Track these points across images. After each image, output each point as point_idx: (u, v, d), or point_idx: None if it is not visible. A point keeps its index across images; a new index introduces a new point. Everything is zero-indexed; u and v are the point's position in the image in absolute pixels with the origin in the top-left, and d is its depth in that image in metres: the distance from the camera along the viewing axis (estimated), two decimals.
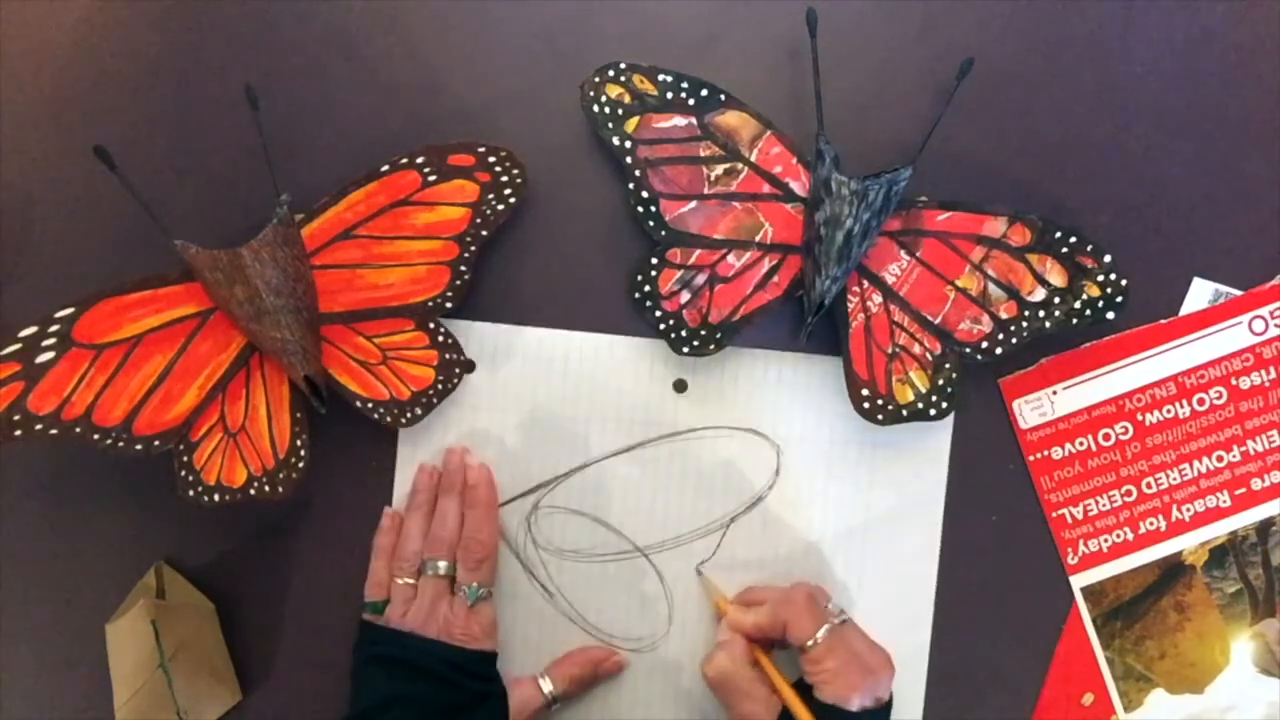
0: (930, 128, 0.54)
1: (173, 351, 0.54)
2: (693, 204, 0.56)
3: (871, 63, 0.58)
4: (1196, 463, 0.59)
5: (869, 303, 0.56)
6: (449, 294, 0.56)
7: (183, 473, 0.54)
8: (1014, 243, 0.55)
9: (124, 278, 0.52)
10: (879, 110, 0.58)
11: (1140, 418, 0.59)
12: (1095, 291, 0.55)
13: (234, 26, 0.58)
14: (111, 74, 0.58)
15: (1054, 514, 0.59)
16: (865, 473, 0.59)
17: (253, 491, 0.55)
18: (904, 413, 0.56)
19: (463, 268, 0.56)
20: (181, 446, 0.54)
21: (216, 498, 0.55)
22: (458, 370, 0.57)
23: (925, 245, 0.56)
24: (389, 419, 0.56)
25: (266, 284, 0.51)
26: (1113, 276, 0.55)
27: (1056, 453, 0.59)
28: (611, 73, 0.54)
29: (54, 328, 0.51)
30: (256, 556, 0.59)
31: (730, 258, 0.56)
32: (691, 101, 0.55)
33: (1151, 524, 0.59)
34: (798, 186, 0.56)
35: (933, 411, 0.56)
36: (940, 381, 0.56)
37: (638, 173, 0.55)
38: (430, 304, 0.56)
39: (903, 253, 0.56)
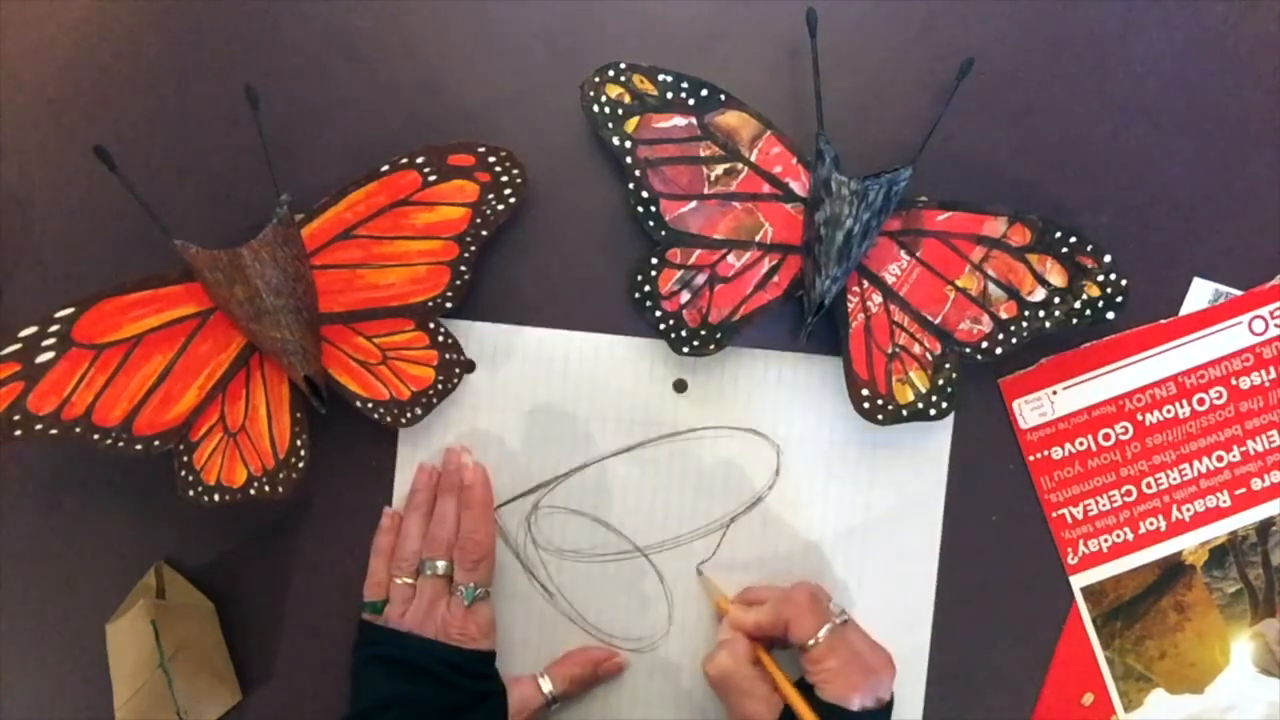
0: (930, 128, 0.54)
1: (173, 351, 0.54)
2: (693, 204, 0.56)
3: (871, 63, 0.58)
4: (1196, 463, 0.59)
5: (869, 303, 0.56)
6: (449, 294, 0.56)
7: (183, 473, 0.54)
8: (1014, 243, 0.55)
9: (124, 278, 0.52)
10: (879, 110, 0.58)
11: (1140, 418, 0.59)
12: (1095, 291, 0.55)
13: (234, 26, 0.58)
14: (111, 74, 0.58)
15: (1054, 514, 0.59)
16: (865, 473, 0.59)
17: (253, 491, 0.55)
18: (904, 413, 0.56)
19: (463, 268, 0.56)
20: (181, 446, 0.54)
21: (216, 498, 0.55)
22: (458, 370, 0.57)
23: (925, 245, 0.56)
24: (389, 419, 0.56)
25: (266, 284, 0.51)
26: (1113, 276, 0.55)
27: (1056, 453, 0.59)
28: (611, 73, 0.54)
29: (54, 328, 0.51)
30: (256, 556, 0.59)
31: (730, 258, 0.56)
32: (691, 101, 0.55)
33: (1151, 524, 0.59)
34: (798, 186, 0.56)
35: (933, 411, 0.56)
36: (940, 381, 0.56)
37: (638, 173, 0.55)
38: (430, 304, 0.56)
39: (903, 253, 0.56)
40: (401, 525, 0.57)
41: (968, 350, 0.56)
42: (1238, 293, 0.59)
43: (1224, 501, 0.59)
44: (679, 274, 0.56)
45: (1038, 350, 0.59)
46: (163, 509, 0.58)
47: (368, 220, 0.55)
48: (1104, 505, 0.59)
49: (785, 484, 0.59)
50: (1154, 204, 0.59)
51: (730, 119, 0.55)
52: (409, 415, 0.56)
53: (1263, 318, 0.59)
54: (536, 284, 0.58)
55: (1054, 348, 0.59)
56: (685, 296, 0.56)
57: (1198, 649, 0.60)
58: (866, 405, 0.56)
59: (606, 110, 0.55)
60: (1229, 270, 0.59)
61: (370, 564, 0.57)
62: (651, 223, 0.56)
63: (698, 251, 0.56)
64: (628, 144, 0.55)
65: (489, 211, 0.56)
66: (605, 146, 0.56)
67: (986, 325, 0.56)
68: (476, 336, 0.58)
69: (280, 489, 0.55)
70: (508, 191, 0.56)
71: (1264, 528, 0.59)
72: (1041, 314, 0.55)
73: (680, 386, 0.59)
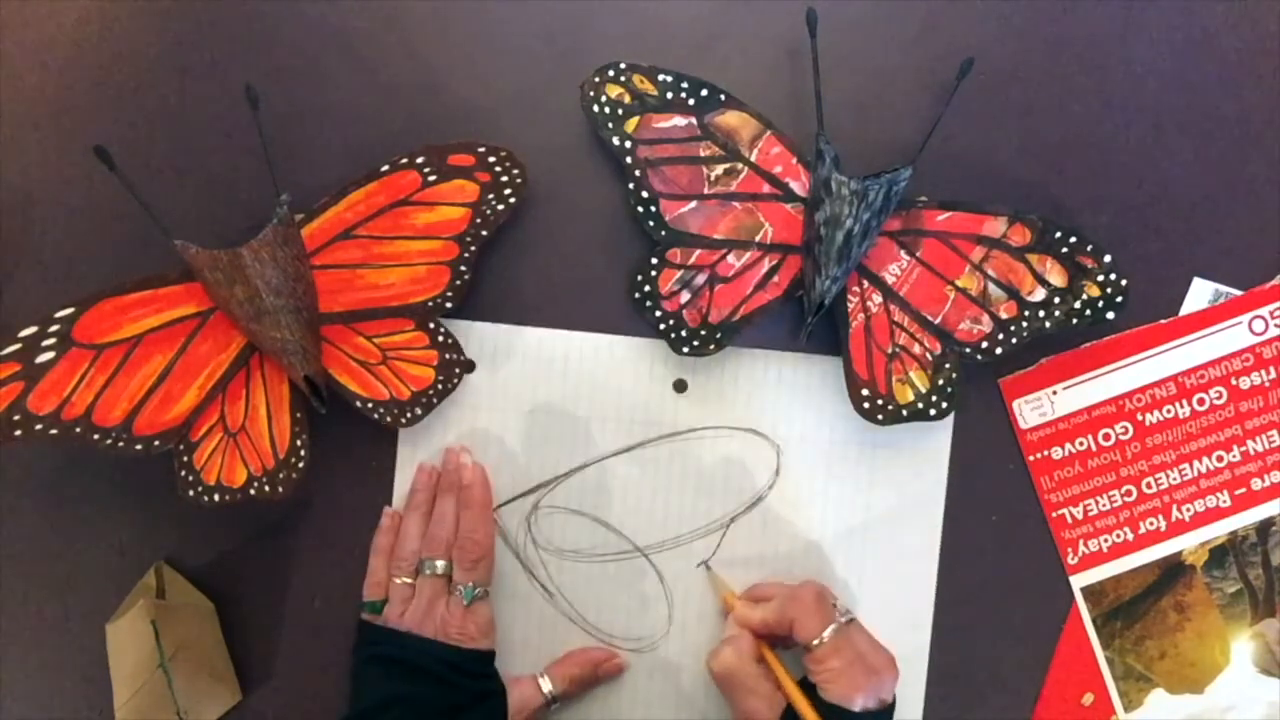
0: (930, 128, 0.54)
1: (173, 351, 0.54)
2: (693, 204, 0.56)
3: (871, 63, 0.58)
4: (1196, 463, 0.59)
5: (869, 303, 0.56)
6: (449, 294, 0.56)
7: (183, 473, 0.54)
8: (1014, 243, 0.55)
9: (124, 278, 0.52)
10: (879, 110, 0.58)
11: (1140, 418, 0.59)
12: (1095, 291, 0.55)
13: (234, 26, 0.58)
14: (111, 74, 0.58)
15: (1054, 514, 0.59)
16: (865, 473, 0.59)
17: (253, 491, 0.55)
18: (904, 413, 0.56)
19: (463, 268, 0.56)
20: (181, 446, 0.54)
21: (216, 498, 0.55)
22: (458, 370, 0.57)
23: (925, 245, 0.56)
24: (389, 419, 0.56)
25: (266, 284, 0.51)
26: (1113, 276, 0.55)
27: (1056, 453, 0.59)
28: (611, 73, 0.54)
29: (54, 328, 0.51)
30: (256, 556, 0.59)
31: (730, 258, 0.56)
32: (691, 101, 0.55)
33: (1151, 524, 0.59)
34: (798, 186, 0.56)
35: (933, 411, 0.56)
36: (940, 381, 0.56)
37: (638, 173, 0.55)
38: (430, 304, 0.56)
39: (903, 253, 0.56)
40: (401, 525, 0.57)
41: (968, 350, 0.56)
42: (1238, 293, 0.59)
43: (1224, 501, 0.59)
44: (679, 274, 0.56)
45: (1038, 350, 0.59)
46: (163, 509, 0.58)
47: (368, 220, 0.55)
48: (1104, 505, 0.59)
49: (785, 484, 0.59)
50: (1154, 204, 0.59)
51: (730, 119, 0.55)
52: (409, 415, 0.56)
53: (1263, 318, 0.59)
54: (536, 284, 0.58)
55: (1054, 348, 0.59)
56: (685, 296, 0.56)
57: (1198, 649, 0.60)
58: (866, 405, 0.56)
59: (606, 110, 0.55)
60: (1229, 270, 0.59)
61: (370, 564, 0.57)
62: (651, 223, 0.56)
63: (698, 251, 0.56)
64: (628, 144, 0.55)
65: (489, 211, 0.56)
66: (605, 146, 0.56)
67: (986, 325, 0.56)
68: (476, 336, 0.58)
69: (280, 489, 0.55)
70: (508, 191, 0.56)
71: (1264, 528, 0.59)
72: (1041, 314, 0.55)
73: (680, 386, 0.59)
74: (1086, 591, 0.59)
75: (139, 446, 0.53)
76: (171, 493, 0.54)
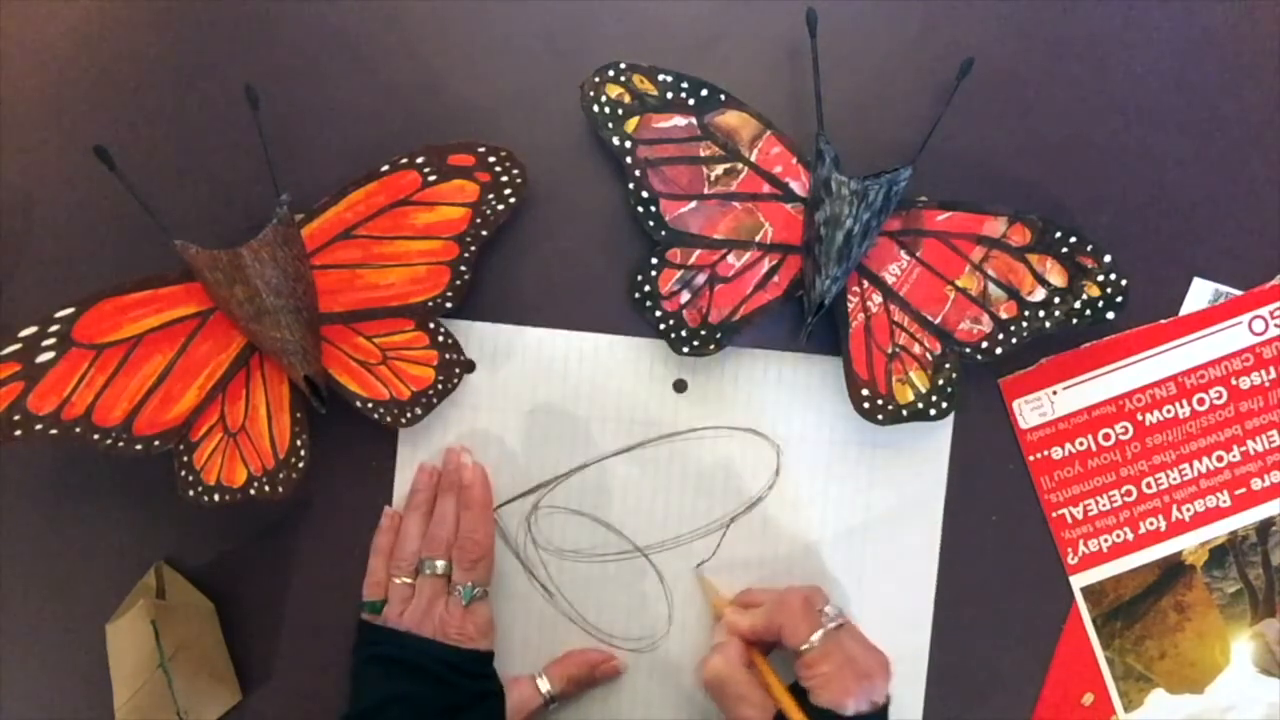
0: (930, 128, 0.54)
1: (173, 351, 0.54)
2: (693, 204, 0.56)
3: (871, 63, 0.58)
4: (1196, 463, 0.59)
5: (869, 303, 0.56)
6: (449, 294, 0.56)
7: (183, 473, 0.54)
8: (1014, 243, 0.55)
9: (124, 278, 0.52)
10: (879, 110, 0.58)
11: (1140, 418, 0.59)
12: (1095, 291, 0.55)
13: (234, 26, 0.58)
14: (111, 74, 0.58)
15: (1054, 514, 0.59)
16: (865, 473, 0.59)
17: (253, 491, 0.55)
18: (904, 413, 0.56)
19: (463, 268, 0.56)
20: (181, 446, 0.54)
21: (216, 498, 0.55)
22: (458, 370, 0.57)
23: (925, 245, 0.56)
24: (389, 419, 0.56)
25: (266, 284, 0.51)
26: (1113, 276, 0.55)
27: (1056, 453, 0.59)
28: (611, 73, 0.54)
29: (54, 328, 0.51)
30: (256, 556, 0.59)
31: (730, 258, 0.56)
32: (691, 101, 0.55)
33: (1151, 524, 0.59)
34: (798, 186, 0.56)
35: (933, 411, 0.56)
36: (940, 381, 0.56)
37: (638, 173, 0.55)
38: (430, 304, 0.56)
39: (903, 253, 0.56)
40: (401, 525, 0.57)
41: (968, 350, 0.56)
42: (1238, 293, 0.59)
43: (1224, 501, 0.59)
44: (679, 274, 0.56)
45: (1038, 350, 0.59)
46: (163, 509, 0.58)
47: (368, 220, 0.55)
48: (1104, 505, 0.59)
49: (785, 484, 0.59)
50: (1154, 204, 0.59)
51: (730, 119, 0.55)
52: (409, 415, 0.56)
53: (1263, 318, 0.59)
54: (536, 284, 0.58)
55: (1054, 348, 0.59)
56: (685, 296, 0.56)
57: (1198, 649, 0.60)
58: (866, 405, 0.56)
59: (606, 110, 0.55)
60: (1229, 270, 0.59)
61: (369, 563, 0.57)
62: (651, 223, 0.56)
63: (698, 251, 0.56)
64: (628, 144, 0.55)
65: (489, 211, 0.56)
66: (605, 146, 0.56)
67: (986, 325, 0.56)
68: (476, 336, 0.58)
69: (280, 489, 0.55)
70: (508, 191, 0.56)
71: (1264, 528, 0.59)
72: (1041, 314, 0.55)
73: (680, 386, 0.59)
74: (1086, 591, 0.59)
75: (139, 446, 0.53)
76: (171, 493, 0.54)
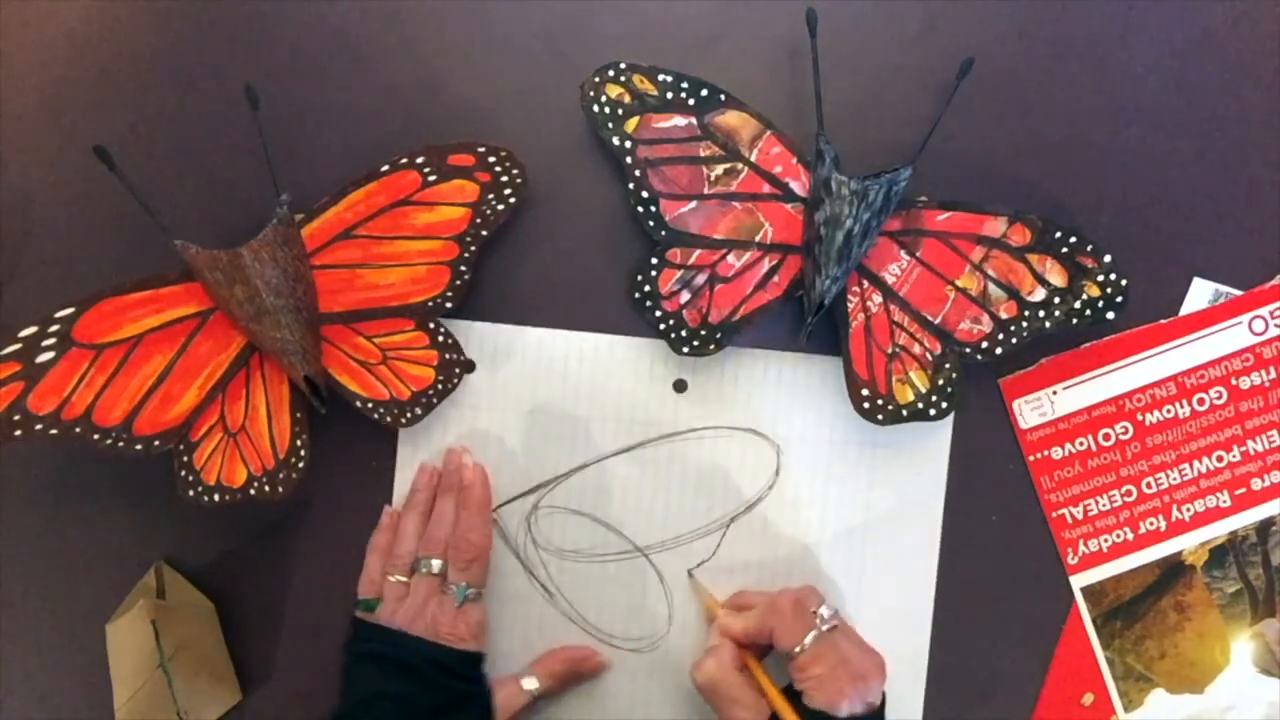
0: (930, 128, 0.54)
1: (173, 351, 0.54)
2: (693, 204, 0.56)
3: (871, 63, 0.58)
4: (1196, 463, 0.59)
5: (869, 303, 0.56)
6: (449, 294, 0.56)
7: (183, 473, 0.54)
8: (1014, 243, 0.55)
9: (124, 278, 0.52)
10: (879, 110, 0.58)
11: (1140, 418, 0.59)
12: (1095, 291, 0.55)
13: (234, 26, 0.58)
14: (111, 74, 0.58)
15: (1054, 514, 0.59)
16: (865, 473, 0.59)
17: (253, 491, 0.55)
18: (904, 413, 0.56)
19: (463, 268, 0.56)
20: (181, 446, 0.54)
21: (216, 498, 0.55)
22: (458, 370, 0.57)
23: (925, 245, 0.56)
24: (389, 419, 0.56)
25: (266, 284, 0.51)
26: (1113, 276, 0.55)
27: (1056, 453, 0.59)
28: (611, 73, 0.54)
29: (54, 328, 0.51)
30: (256, 556, 0.59)
31: (730, 258, 0.56)
32: (691, 101, 0.55)
33: (1151, 524, 0.59)
34: (798, 186, 0.56)
35: (933, 411, 0.56)
36: (940, 381, 0.56)
37: (638, 173, 0.55)
38: (430, 304, 0.56)
39: (903, 253, 0.56)
40: (399, 524, 0.57)
41: (968, 350, 0.56)
42: (1238, 293, 0.59)
43: (1224, 501, 0.59)
44: (679, 274, 0.56)
45: (1038, 350, 0.59)
46: (163, 509, 0.58)
47: (368, 220, 0.55)
48: (1104, 505, 0.59)
49: (785, 484, 0.59)
50: (1154, 204, 0.59)
51: (730, 119, 0.55)
52: (409, 415, 0.56)
53: (1263, 318, 0.59)
54: (536, 284, 0.58)
55: (1054, 348, 0.59)
56: (685, 296, 0.56)
57: (1198, 649, 0.60)
58: (866, 405, 0.56)
59: (606, 110, 0.55)
60: (1229, 270, 0.59)
61: (366, 561, 0.57)
62: (651, 223, 0.56)
63: (698, 251, 0.56)
64: (628, 144, 0.55)
65: (489, 211, 0.56)
66: (605, 146, 0.56)
67: (986, 325, 0.56)
68: (476, 336, 0.58)
69: (280, 489, 0.55)
70: (508, 191, 0.56)
71: (1264, 528, 0.59)
72: (1041, 314, 0.55)
73: (680, 386, 0.59)
74: (1086, 591, 0.59)
75: (139, 446, 0.53)
76: (171, 493, 0.54)
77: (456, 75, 0.58)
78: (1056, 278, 0.55)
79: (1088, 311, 0.55)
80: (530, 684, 0.56)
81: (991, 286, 0.56)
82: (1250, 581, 0.59)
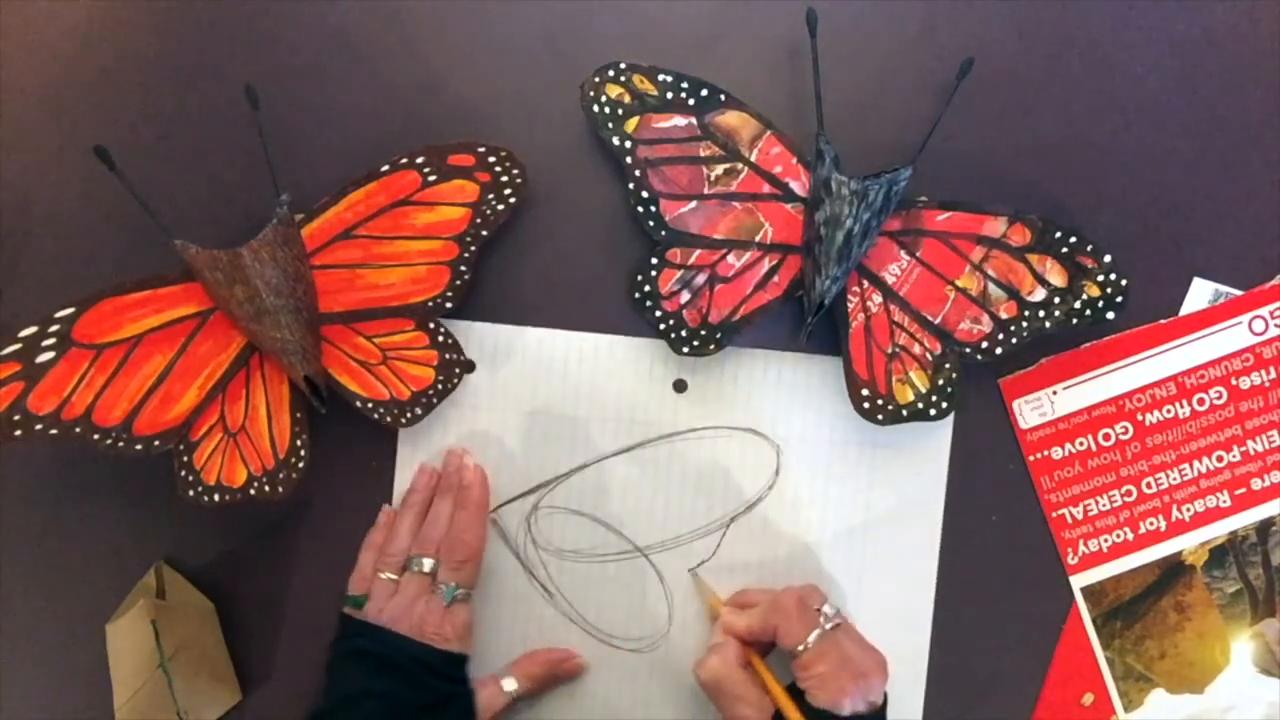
0: (930, 128, 0.54)
1: (173, 351, 0.54)
2: (693, 204, 0.56)
3: (871, 63, 0.58)
4: (1196, 463, 0.59)
5: (869, 303, 0.56)
6: (449, 294, 0.56)
7: (183, 473, 0.54)
8: (1014, 243, 0.55)
9: (124, 278, 0.52)
10: (879, 110, 0.58)
11: (1140, 418, 0.59)
12: (1095, 291, 0.55)
13: (234, 26, 0.58)
14: (111, 74, 0.58)
15: (1054, 514, 0.59)
16: (865, 473, 0.59)
17: (253, 491, 0.55)
18: (904, 413, 0.56)
19: (463, 268, 0.56)
20: (181, 446, 0.54)
21: (216, 498, 0.55)
22: (458, 370, 0.57)
23: (925, 245, 0.56)
24: (389, 419, 0.56)
25: (266, 284, 0.51)
26: (1113, 276, 0.55)
27: (1056, 453, 0.59)
28: (611, 73, 0.54)
29: (54, 328, 0.51)
30: (256, 556, 0.59)
31: (730, 258, 0.56)
32: (691, 101, 0.55)
33: (1151, 524, 0.59)
34: (798, 186, 0.56)
35: (933, 411, 0.56)
36: (940, 381, 0.56)
37: (638, 173, 0.55)
38: (430, 304, 0.56)
39: (903, 253, 0.56)
40: (394, 522, 0.57)
41: (968, 350, 0.56)
42: (1238, 293, 0.59)
43: (1224, 501, 0.59)
44: (679, 274, 0.56)
45: (1038, 350, 0.59)
46: (163, 509, 0.58)
47: (368, 220, 0.55)
48: (1104, 505, 0.59)
49: (785, 484, 0.59)
50: (1154, 204, 0.59)
51: (730, 119, 0.55)
52: (409, 415, 0.56)
53: (1263, 318, 0.59)
54: (536, 284, 0.58)
55: (1054, 348, 0.59)
56: (685, 296, 0.56)
57: (1198, 649, 0.60)
58: (866, 405, 0.56)
59: (606, 110, 0.55)
60: (1229, 270, 0.59)
61: (359, 558, 0.57)
62: (651, 223, 0.56)
63: (698, 251, 0.56)
64: (628, 144, 0.55)
65: (489, 211, 0.56)
66: (605, 146, 0.56)
67: (986, 325, 0.56)
68: (476, 336, 0.58)
69: (280, 489, 0.55)
70: (508, 191, 0.56)
71: (1264, 528, 0.59)
72: (1041, 314, 0.55)
73: (680, 386, 0.59)
74: (1086, 591, 0.59)
75: (139, 446, 0.53)
76: (171, 493, 0.54)
77: (456, 75, 0.58)
78: (1056, 278, 0.55)
79: (1088, 311, 0.55)
80: (509, 685, 0.56)
81: (991, 286, 0.56)
82: (1250, 581, 0.59)
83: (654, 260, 0.56)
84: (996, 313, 0.56)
